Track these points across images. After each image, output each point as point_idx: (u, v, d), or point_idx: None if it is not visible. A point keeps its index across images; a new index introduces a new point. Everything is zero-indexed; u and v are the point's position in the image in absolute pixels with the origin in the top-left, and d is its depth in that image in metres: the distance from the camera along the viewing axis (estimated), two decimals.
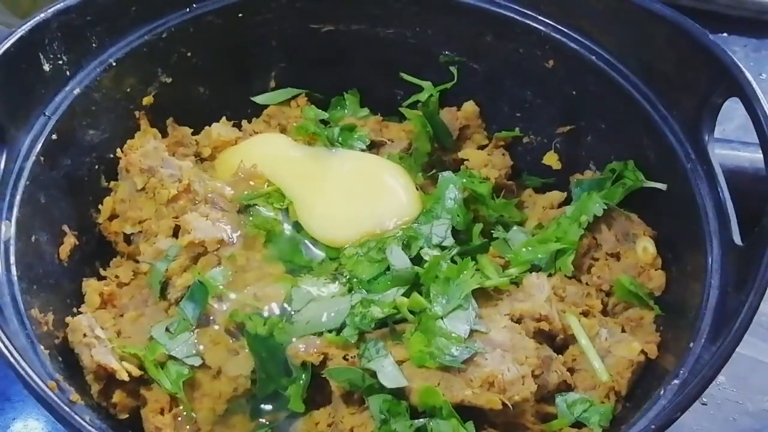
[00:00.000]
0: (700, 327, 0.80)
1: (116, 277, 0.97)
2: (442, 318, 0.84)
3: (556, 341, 0.91)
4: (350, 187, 1.03)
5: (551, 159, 1.11)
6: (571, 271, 0.95)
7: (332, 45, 1.12)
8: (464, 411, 0.80)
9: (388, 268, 0.92)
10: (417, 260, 0.93)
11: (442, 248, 0.95)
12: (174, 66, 1.05)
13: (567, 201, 1.05)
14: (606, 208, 0.96)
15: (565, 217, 0.99)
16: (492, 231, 1.01)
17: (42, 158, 0.91)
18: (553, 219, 1.02)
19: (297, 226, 0.98)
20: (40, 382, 0.74)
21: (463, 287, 0.87)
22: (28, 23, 0.90)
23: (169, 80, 1.06)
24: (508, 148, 1.13)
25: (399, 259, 0.92)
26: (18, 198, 0.87)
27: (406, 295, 0.88)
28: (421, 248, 0.94)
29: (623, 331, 0.92)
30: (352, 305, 0.86)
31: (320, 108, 1.15)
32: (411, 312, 0.85)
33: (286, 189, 1.01)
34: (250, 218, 0.97)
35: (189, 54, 1.06)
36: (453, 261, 0.93)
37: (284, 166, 1.04)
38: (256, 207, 0.98)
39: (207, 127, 1.10)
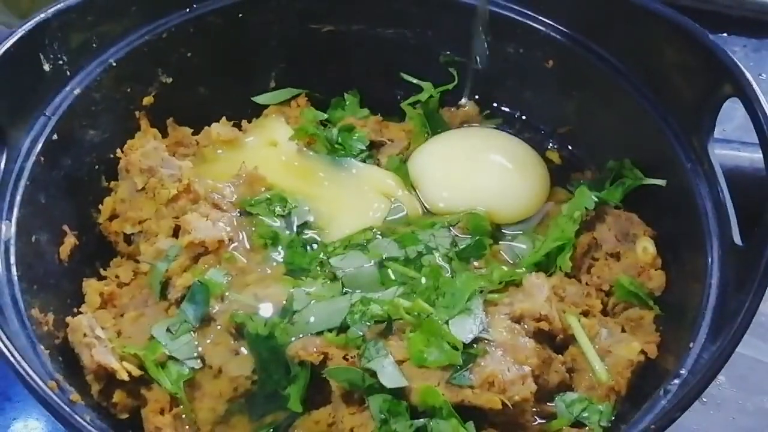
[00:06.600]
0: (700, 327, 0.80)
1: (116, 277, 0.97)
2: (447, 323, 0.84)
3: (556, 341, 0.91)
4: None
5: (551, 157, 1.11)
6: (569, 267, 0.95)
7: (332, 45, 1.12)
8: (464, 411, 0.80)
9: (382, 265, 0.92)
10: (416, 259, 0.93)
11: (443, 248, 0.95)
12: (174, 66, 1.05)
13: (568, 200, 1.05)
14: (597, 200, 0.97)
15: (561, 215, 0.99)
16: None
17: (42, 158, 0.91)
18: (553, 218, 1.02)
19: (298, 229, 0.98)
20: (40, 382, 0.74)
21: (465, 288, 0.87)
22: (28, 23, 0.89)
23: (169, 80, 1.06)
24: None
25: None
26: (18, 198, 0.87)
27: (406, 296, 0.88)
28: (421, 253, 0.94)
29: (623, 331, 0.92)
30: (351, 303, 0.86)
31: (320, 108, 1.16)
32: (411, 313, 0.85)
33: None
34: (253, 229, 0.97)
35: (189, 54, 1.06)
36: (453, 261, 0.93)
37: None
38: (259, 216, 0.98)
39: (207, 127, 1.10)
